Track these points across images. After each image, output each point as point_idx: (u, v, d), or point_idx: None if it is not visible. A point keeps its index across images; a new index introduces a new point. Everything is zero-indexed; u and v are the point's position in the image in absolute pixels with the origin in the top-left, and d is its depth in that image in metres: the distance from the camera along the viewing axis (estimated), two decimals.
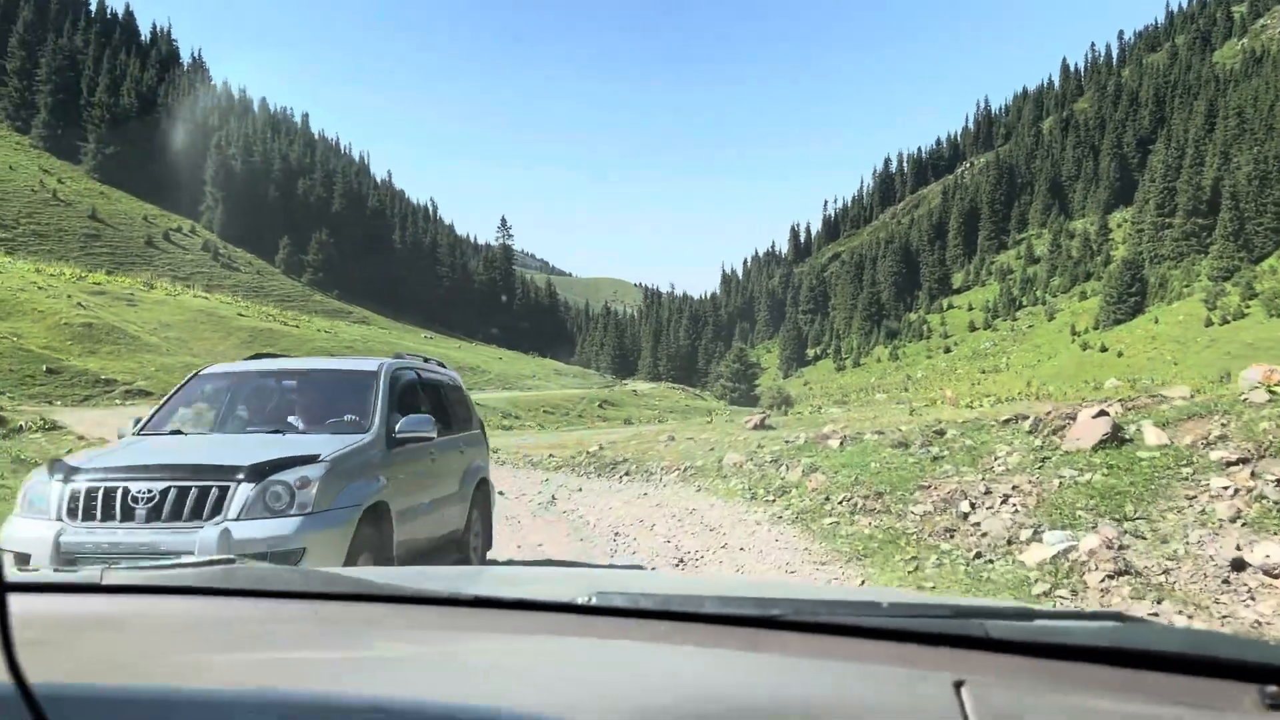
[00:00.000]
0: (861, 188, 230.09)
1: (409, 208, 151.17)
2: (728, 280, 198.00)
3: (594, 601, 1.50)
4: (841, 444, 12.30)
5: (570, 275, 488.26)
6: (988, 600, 2.32)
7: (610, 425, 37.02)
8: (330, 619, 1.53)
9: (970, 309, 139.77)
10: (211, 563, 1.87)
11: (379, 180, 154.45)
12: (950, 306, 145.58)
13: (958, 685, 1.12)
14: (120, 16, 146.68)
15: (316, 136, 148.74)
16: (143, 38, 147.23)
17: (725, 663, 1.31)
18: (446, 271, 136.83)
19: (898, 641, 1.35)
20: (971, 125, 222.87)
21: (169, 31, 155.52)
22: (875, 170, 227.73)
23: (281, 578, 1.72)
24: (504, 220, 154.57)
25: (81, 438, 22.17)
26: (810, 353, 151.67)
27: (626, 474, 15.09)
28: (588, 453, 17.69)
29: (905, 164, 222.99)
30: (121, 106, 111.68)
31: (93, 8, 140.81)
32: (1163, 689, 1.16)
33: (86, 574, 1.65)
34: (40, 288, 46.75)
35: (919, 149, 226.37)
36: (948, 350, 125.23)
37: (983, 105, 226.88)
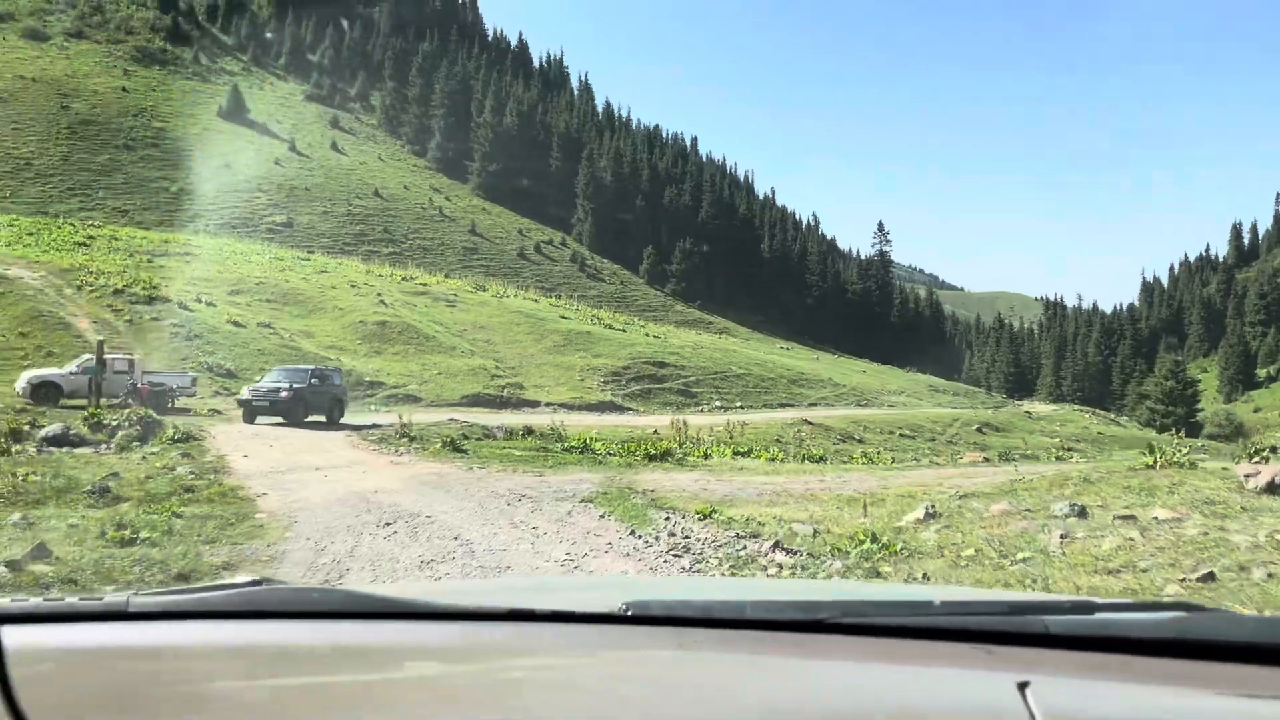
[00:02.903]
0: None
1: (779, 216, 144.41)
2: (1149, 289, 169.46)
3: (630, 612, 1.43)
4: None
5: (961, 290, 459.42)
6: (1045, 595, 2.06)
7: (989, 460, 26.03)
8: (358, 639, 1.47)
9: None
10: (236, 585, 1.74)
11: (763, 197, 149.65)
12: None
13: (1022, 686, 1.09)
14: (513, 44, 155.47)
15: (705, 158, 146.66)
16: (534, 64, 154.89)
17: (772, 671, 1.26)
18: (816, 281, 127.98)
19: (954, 641, 1.30)
20: None
21: (560, 58, 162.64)
22: None
23: (308, 599, 1.67)
24: (881, 226, 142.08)
25: (185, 451, 16.01)
26: (1261, 373, 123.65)
27: None
28: (867, 536, 7.93)
29: None
30: (505, 126, 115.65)
31: (489, 36, 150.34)
32: (1234, 680, 1.12)
33: (112, 600, 1.58)
34: (353, 285, 44.70)
35: None
36: None
37: None
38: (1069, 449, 34.94)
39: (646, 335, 54.16)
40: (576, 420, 30.64)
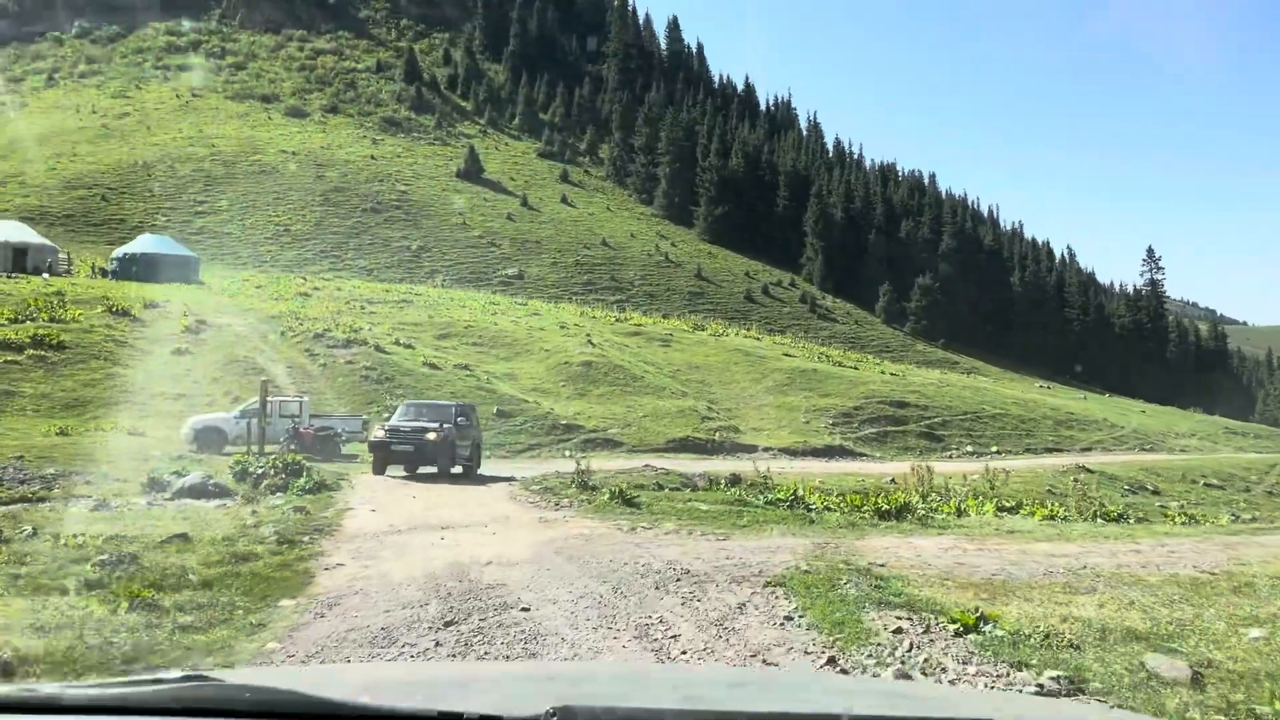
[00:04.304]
0: None
1: (1030, 248, 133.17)
2: None
3: (556, 718, 1.48)
4: None
5: (1245, 324, 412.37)
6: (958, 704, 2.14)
7: None
8: None
9: None
10: (169, 681, 1.71)
11: (1009, 229, 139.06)
12: None
13: None
14: (739, 89, 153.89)
15: (944, 193, 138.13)
16: (761, 106, 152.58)
17: None
18: (1076, 315, 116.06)
19: None
20: None
21: (788, 100, 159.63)
22: None
23: (237, 698, 1.65)
24: (1150, 252, 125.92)
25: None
26: None
27: None
28: None
29: None
30: (730, 169, 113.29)
31: (715, 83, 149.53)
32: None
33: (47, 691, 1.58)
34: (563, 327, 42.58)
35: None
36: None
37: None
38: None
39: (882, 373, 48.67)
40: (799, 467, 26.42)
